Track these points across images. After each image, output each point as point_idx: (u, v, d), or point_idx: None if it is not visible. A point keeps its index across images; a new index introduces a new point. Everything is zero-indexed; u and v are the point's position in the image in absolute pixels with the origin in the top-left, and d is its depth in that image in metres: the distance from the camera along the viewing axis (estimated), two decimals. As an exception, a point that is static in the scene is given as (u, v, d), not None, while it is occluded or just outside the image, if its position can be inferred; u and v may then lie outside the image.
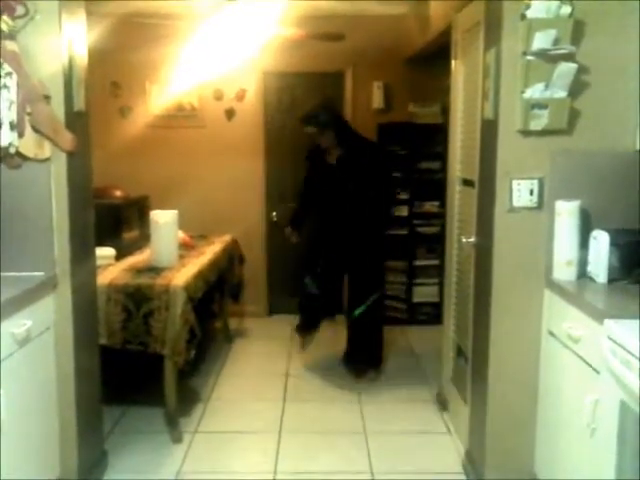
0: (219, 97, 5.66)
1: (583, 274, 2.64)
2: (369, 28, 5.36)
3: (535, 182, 2.68)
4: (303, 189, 4.62)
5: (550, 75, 2.57)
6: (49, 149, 2.63)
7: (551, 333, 2.65)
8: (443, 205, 4.66)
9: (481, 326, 2.93)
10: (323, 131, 4.24)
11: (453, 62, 3.64)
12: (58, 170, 2.66)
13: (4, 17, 2.41)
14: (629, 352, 1.95)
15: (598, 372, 2.19)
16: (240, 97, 5.67)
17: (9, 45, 2.43)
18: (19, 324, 2.35)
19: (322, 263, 4.41)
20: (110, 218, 4.03)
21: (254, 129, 5.70)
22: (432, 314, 5.53)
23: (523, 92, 2.59)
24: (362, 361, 4.46)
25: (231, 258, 4.88)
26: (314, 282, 4.43)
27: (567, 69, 2.56)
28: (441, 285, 5.01)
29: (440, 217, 5.24)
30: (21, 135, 2.48)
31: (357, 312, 4.35)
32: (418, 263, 5.66)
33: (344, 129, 4.35)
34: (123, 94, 5.63)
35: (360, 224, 4.28)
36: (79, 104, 2.76)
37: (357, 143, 4.35)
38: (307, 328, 4.63)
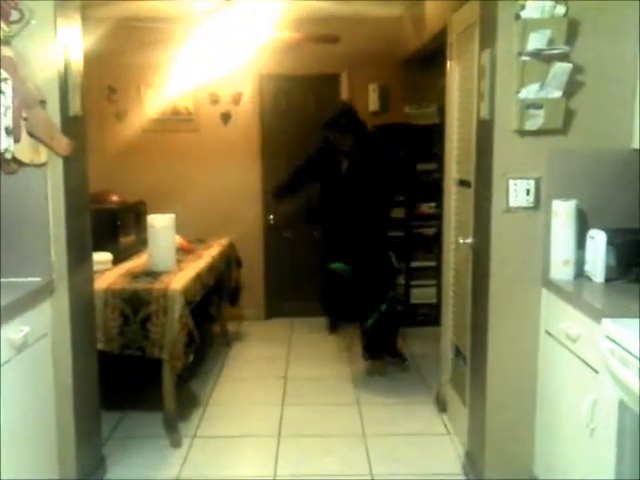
0: (215, 101, 5.66)
1: (580, 273, 2.64)
2: (364, 30, 5.36)
3: (532, 182, 2.68)
4: (303, 169, 4.70)
5: (545, 75, 2.57)
6: (45, 154, 2.62)
7: (549, 333, 2.65)
8: (440, 206, 4.66)
9: (479, 327, 2.93)
10: (344, 135, 4.36)
11: (448, 63, 3.65)
12: (54, 175, 2.65)
13: (-1, 22, 2.42)
14: (627, 351, 1.95)
15: (596, 371, 2.19)
16: (236, 100, 5.66)
17: (5, 50, 2.43)
18: (17, 330, 2.34)
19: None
20: (107, 223, 4.02)
21: (250, 132, 5.70)
22: (430, 315, 5.52)
23: (518, 92, 2.60)
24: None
25: (228, 262, 4.87)
26: (346, 267, 4.44)
27: (562, 69, 2.57)
28: (439, 286, 5.01)
29: (437, 218, 5.23)
30: (17, 140, 2.48)
31: (370, 322, 4.40)
32: (415, 264, 5.66)
33: (363, 133, 4.47)
34: (119, 98, 5.63)
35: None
36: (75, 109, 2.75)
37: (374, 146, 4.52)
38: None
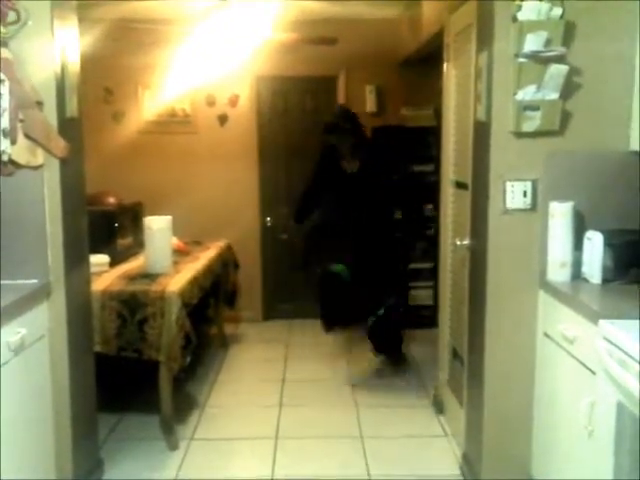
0: (212, 103, 5.65)
1: (577, 275, 2.64)
2: (362, 32, 5.37)
3: (528, 184, 2.69)
4: (312, 187, 4.67)
5: (542, 77, 2.57)
6: (42, 156, 2.62)
7: (546, 334, 2.65)
8: (437, 208, 4.66)
9: (476, 328, 2.93)
10: (343, 139, 4.39)
11: (445, 65, 3.65)
12: (51, 177, 2.65)
13: (-5, 24, 2.41)
14: (625, 352, 1.95)
15: (594, 373, 2.19)
16: (233, 102, 5.66)
17: (1, 52, 2.43)
18: (13, 332, 2.34)
19: (352, 256, 4.44)
20: (104, 225, 4.02)
21: (247, 134, 5.70)
22: (427, 317, 5.52)
23: (515, 94, 2.60)
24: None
25: (226, 264, 4.87)
26: (346, 270, 4.43)
27: (558, 71, 2.57)
28: (436, 288, 5.01)
29: (434, 220, 5.24)
30: (14, 142, 2.47)
31: (370, 320, 4.45)
32: (412, 266, 5.66)
33: (362, 138, 4.51)
34: (115, 100, 5.63)
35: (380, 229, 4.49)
36: (72, 110, 2.75)
37: (374, 154, 4.55)
38: (334, 323, 4.64)
